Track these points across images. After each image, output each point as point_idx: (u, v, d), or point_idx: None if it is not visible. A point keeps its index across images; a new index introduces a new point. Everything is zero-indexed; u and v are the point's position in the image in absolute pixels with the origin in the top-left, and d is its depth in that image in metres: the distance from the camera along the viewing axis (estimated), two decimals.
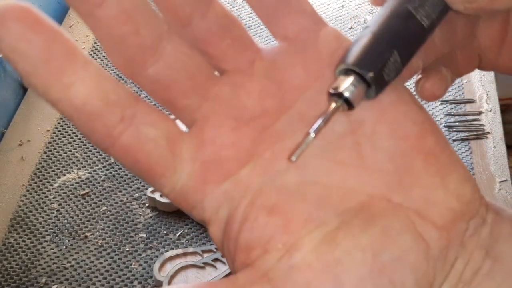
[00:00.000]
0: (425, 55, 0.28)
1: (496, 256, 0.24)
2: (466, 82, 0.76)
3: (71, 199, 0.66)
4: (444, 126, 0.71)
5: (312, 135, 0.23)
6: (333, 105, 0.23)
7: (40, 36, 0.20)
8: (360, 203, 0.23)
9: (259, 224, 0.23)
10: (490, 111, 0.73)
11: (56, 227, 0.64)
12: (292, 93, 0.25)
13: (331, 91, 0.23)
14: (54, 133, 0.73)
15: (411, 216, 0.23)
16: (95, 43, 0.84)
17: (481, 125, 0.71)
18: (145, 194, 0.66)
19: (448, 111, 0.73)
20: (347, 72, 0.23)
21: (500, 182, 0.65)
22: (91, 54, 0.82)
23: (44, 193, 0.67)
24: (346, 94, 0.23)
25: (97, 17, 0.22)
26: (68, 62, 0.21)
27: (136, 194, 0.66)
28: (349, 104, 0.23)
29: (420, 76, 0.30)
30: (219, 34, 0.24)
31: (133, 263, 0.61)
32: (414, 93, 0.27)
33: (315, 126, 0.23)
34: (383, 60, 0.23)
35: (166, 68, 0.23)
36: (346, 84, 0.23)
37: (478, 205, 0.24)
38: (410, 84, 0.30)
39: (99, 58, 0.82)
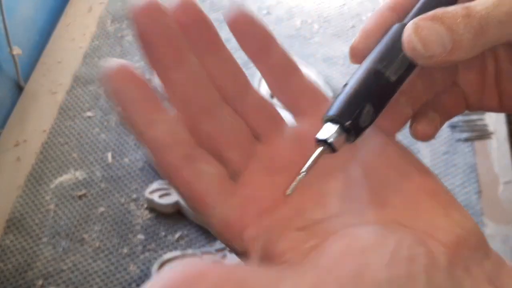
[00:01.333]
0: (412, 103, 0.33)
1: (501, 286, 0.27)
2: None
3: (68, 200, 0.66)
4: (448, 126, 0.70)
5: (304, 173, 0.28)
6: (320, 149, 0.29)
7: (137, 85, 0.28)
8: (377, 226, 0.28)
9: (291, 237, 0.28)
10: None
11: (53, 229, 0.63)
12: (312, 148, 0.30)
13: (318, 137, 0.29)
14: (51, 133, 0.72)
15: (420, 234, 0.27)
16: (92, 41, 0.83)
17: (485, 125, 0.70)
18: (143, 195, 0.65)
19: None
20: (331, 121, 0.29)
21: (504, 183, 0.64)
22: (88, 52, 0.82)
23: (40, 194, 0.66)
24: (330, 140, 0.28)
25: (170, 78, 0.29)
26: (154, 105, 0.28)
27: (134, 195, 0.66)
28: (333, 147, 0.29)
29: (411, 120, 0.34)
30: (256, 111, 0.31)
31: (131, 266, 0.60)
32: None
33: (306, 166, 0.28)
34: (359, 111, 0.29)
35: (217, 126, 0.30)
36: (330, 132, 0.28)
37: (480, 240, 0.28)
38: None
39: (96, 56, 0.81)
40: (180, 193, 0.30)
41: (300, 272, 0.25)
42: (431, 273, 0.25)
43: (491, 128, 0.70)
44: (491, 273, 0.27)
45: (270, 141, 0.31)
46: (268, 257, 0.28)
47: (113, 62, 0.28)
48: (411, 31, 0.28)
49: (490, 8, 0.28)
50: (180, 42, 0.29)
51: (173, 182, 0.29)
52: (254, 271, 0.26)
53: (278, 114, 0.32)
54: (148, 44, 0.29)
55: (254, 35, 0.31)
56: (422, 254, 0.26)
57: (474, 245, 0.27)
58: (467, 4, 0.28)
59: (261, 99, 0.32)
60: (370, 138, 0.31)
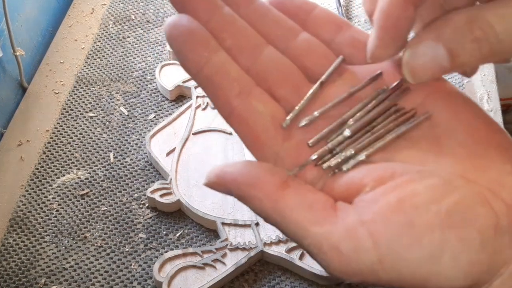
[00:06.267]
0: None
1: None
2: (467, 82, 0.76)
3: (70, 200, 0.66)
4: None
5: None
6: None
7: (190, 30, 0.29)
8: (440, 178, 0.27)
9: (357, 175, 0.28)
10: (491, 111, 0.73)
11: (56, 228, 0.64)
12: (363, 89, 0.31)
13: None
14: (54, 133, 0.73)
15: (483, 191, 0.26)
16: (94, 43, 0.84)
17: None
18: (144, 195, 0.66)
19: None
20: None
21: None
22: (90, 54, 0.82)
23: (43, 193, 0.67)
24: None
25: (210, 23, 0.30)
26: (206, 45, 0.29)
27: (136, 195, 0.66)
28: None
29: None
30: (308, 52, 0.31)
31: (133, 264, 0.61)
32: None
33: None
34: None
35: (264, 65, 0.30)
36: None
37: None
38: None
39: (98, 57, 0.82)
40: (236, 130, 0.30)
41: (351, 212, 0.26)
42: (487, 235, 0.25)
43: None
44: None
45: (326, 83, 0.31)
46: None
47: (171, 18, 0.29)
48: (404, 62, 0.28)
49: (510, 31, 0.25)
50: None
51: (229, 120, 0.30)
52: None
53: (331, 54, 0.32)
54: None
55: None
56: (481, 215, 0.25)
57: None
58: (482, 21, 0.26)
59: (311, 40, 0.31)
60: (437, 90, 0.30)
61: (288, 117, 0.30)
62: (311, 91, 0.30)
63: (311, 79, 0.31)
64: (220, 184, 0.29)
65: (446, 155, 0.28)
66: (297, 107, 0.30)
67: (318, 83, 0.30)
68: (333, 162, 0.29)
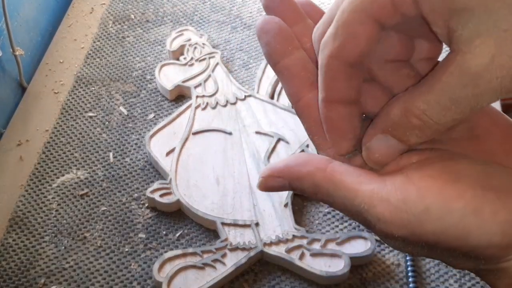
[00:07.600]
0: None
1: None
2: None
3: (70, 200, 0.66)
4: None
5: None
6: None
7: (279, 28, 0.33)
8: (480, 161, 0.30)
9: (405, 155, 0.31)
10: None
11: (55, 228, 0.63)
12: None
13: None
14: (53, 133, 0.73)
15: None
16: (94, 42, 0.84)
17: None
18: (144, 195, 0.66)
19: None
20: None
21: None
22: (90, 53, 0.82)
23: (43, 193, 0.67)
24: None
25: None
26: (290, 41, 0.33)
27: (136, 195, 0.66)
28: None
29: None
30: None
31: (132, 264, 0.61)
32: None
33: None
34: None
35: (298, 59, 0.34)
36: None
37: None
38: None
39: (98, 57, 0.82)
40: (301, 118, 0.34)
41: (397, 175, 0.30)
42: None
43: None
44: None
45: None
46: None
47: (263, 17, 0.34)
48: (365, 157, 0.32)
49: (446, 115, 0.28)
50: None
51: (296, 106, 0.34)
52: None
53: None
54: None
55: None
56: None
57: None
58: (416, 110, 0.28)
59: None
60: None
61: None
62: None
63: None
64: (274, 175, 0.32)
65: (484, 149, 0.31)
66: None
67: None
68: None
